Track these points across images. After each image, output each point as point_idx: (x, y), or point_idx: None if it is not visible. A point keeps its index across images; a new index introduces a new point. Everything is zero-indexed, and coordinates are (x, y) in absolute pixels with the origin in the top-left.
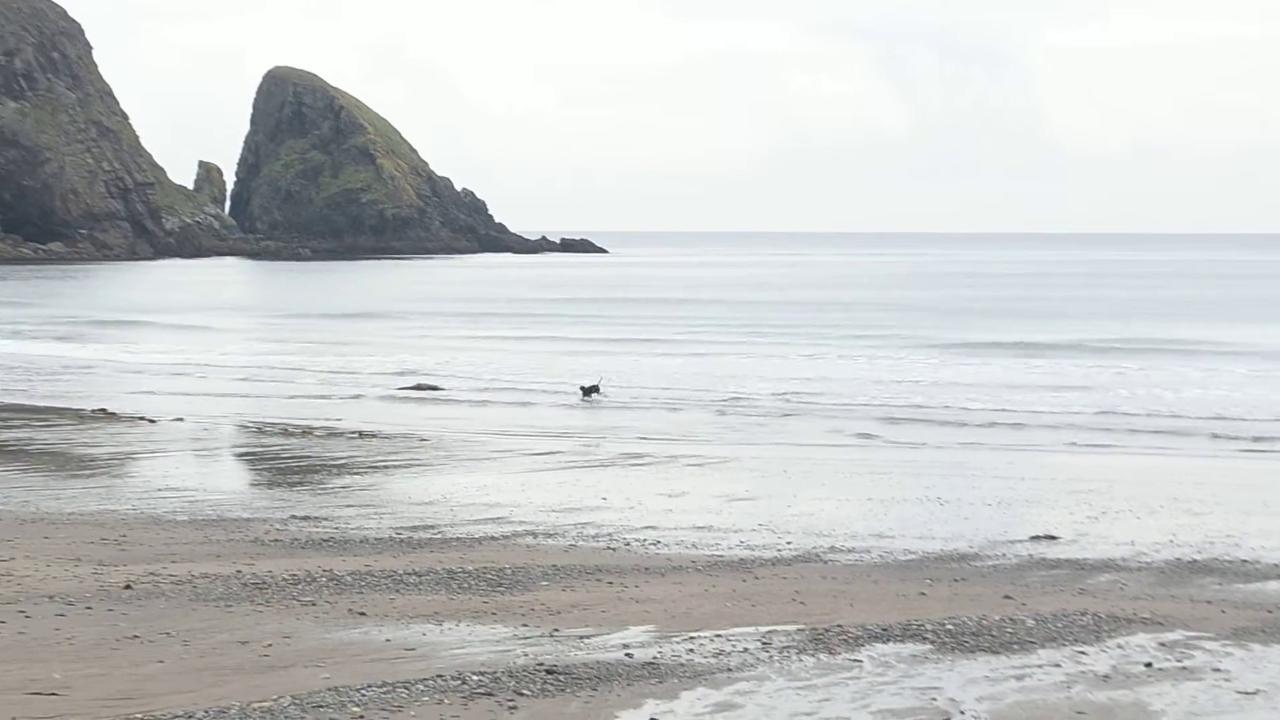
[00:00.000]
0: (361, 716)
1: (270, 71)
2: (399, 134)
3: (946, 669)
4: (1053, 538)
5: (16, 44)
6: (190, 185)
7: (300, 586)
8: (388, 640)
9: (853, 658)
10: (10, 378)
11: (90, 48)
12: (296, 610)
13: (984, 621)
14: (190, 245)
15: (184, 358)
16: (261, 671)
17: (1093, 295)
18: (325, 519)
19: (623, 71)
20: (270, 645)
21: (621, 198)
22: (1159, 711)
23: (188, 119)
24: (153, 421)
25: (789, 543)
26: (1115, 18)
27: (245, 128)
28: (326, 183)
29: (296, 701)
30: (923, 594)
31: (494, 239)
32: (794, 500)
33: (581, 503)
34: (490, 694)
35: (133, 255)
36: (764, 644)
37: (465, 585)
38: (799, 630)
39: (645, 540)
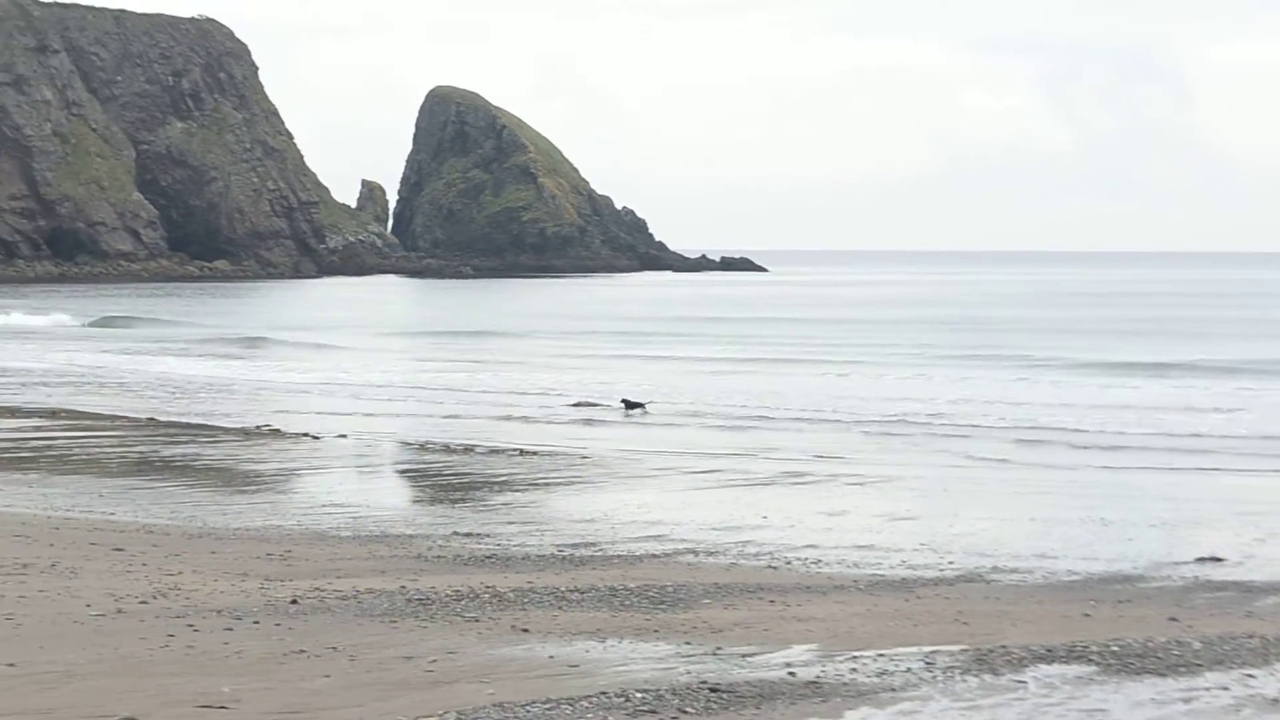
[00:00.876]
0: None
1: (433, 90)
2: (560, 152)
3: (1112, 691)
4: (1218, 559)
5: (184, 65)
6: (353, 204)
7: (464, 603)
8: (551, 657)
9: (1017, 679)
10: (176, 395)
11: (256, 68)
12: (460, 626)
13: (1149, 643)
14: (353, 263)
15: (347, 376)
16: (427, 687)
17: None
18: (487, 535)
19: (782, 89)
20: (435, 661)
21: (782, 216)
22: None
23: (351, 138)
24: (316, 438)
25: (951, 562)
26: None
27: (408, 147)
28: (488, 201)
29: (462, 717)
30: (1087, 615)
31: (654, 257)
32: (955, 520)
33: (742, 521)
34: (654, 712)
35: (296, 273)
36: (927, 664)
37: (627, 602)
38: (962, 650)
39: (807, 559)
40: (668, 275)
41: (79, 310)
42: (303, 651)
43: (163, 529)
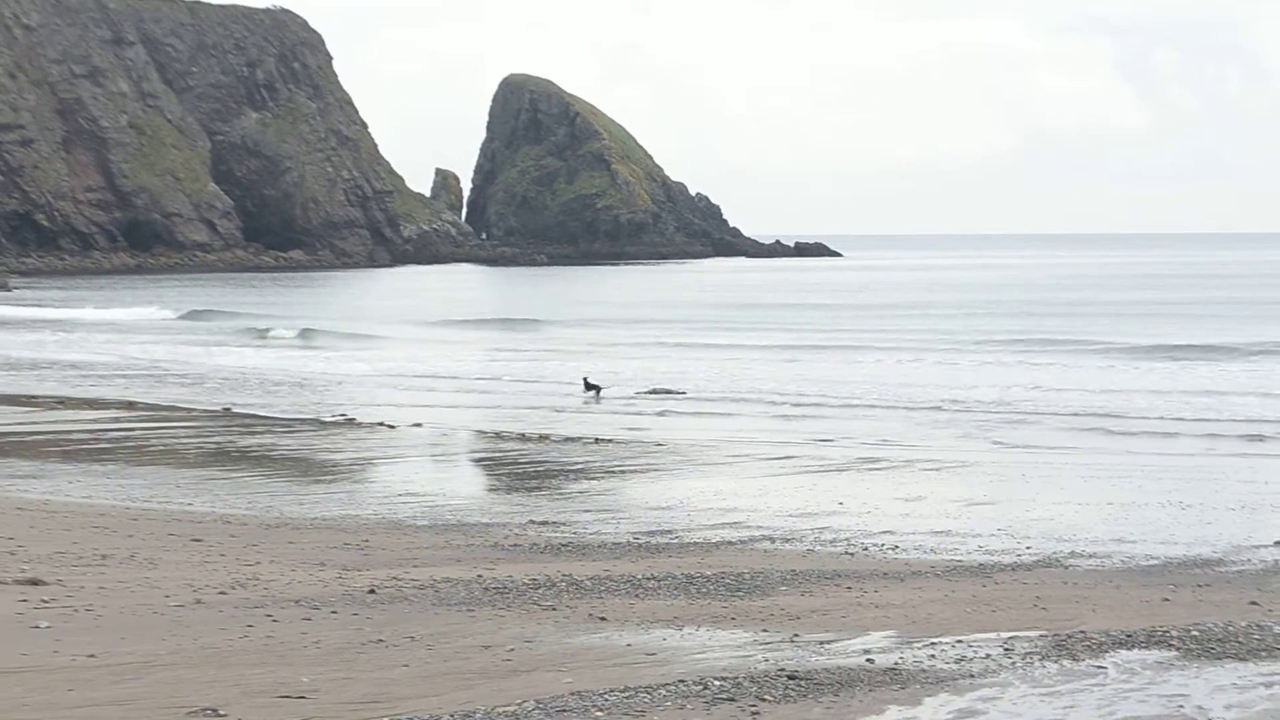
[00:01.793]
0: None
1: (506, 78)
2: (634, 139)
3: (1192, 676)
4: None
5: (259, 55)
6: (427, 192)
7: (540, 591)
8: (628, 645)
9: (1097, 664)
10: (252, 385)
11: (330, 58)
12: (537, 615)
13: (1230, 628)
14: (427, 252)
15: (421, 366)
16: (504, 676)
17: None
18: (563, 524)
19: (858, 73)
20: (512, 649)
21: (858, 200)
22: None
23: (425, 127)
24: (392, 427)
25: (1028, 547)
26: None
27: (482, 135)
28: (562, 189)
29: (540, 706)
30: (1166, 600)
31: (728, 243)
32: (1032, 505)
33: (818, 507)
34: (732, 699)
35: (371, 262)
36: (1006, 650)
37: (704, 590)
38: (1041, 636)
39: (883, 545)
40: (741, 261)
41: (163, 302)
42: (381, 641)
43: (240, 519)
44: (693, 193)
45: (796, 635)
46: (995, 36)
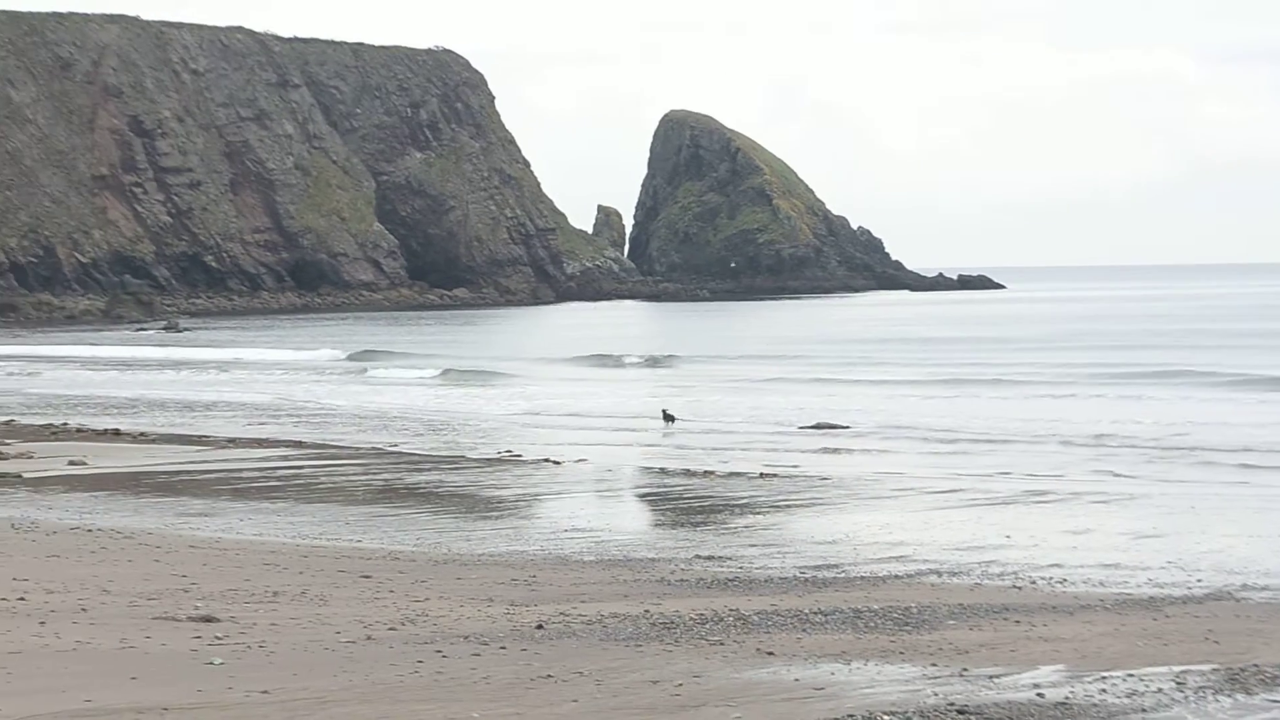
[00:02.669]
0: None
1: (667, 115)
2: (795, 173)
3: None
4: None
5: (422, 96)
6: (590, 229)
7: (708, 626)
8: (796, 680)
9: (1271, 698)
10: (417, 423)
11: (492, 97)
12: (705, 650)
13: None
14: (590, 288)
15: (587, 403)
16: (673, 711)
17: None
18: (729, 558)
19: (1018, 102)
20: (681, 685)
21: (1022, 231)
22: None
23: (587, 165)
24: (557, 463)
25: (1199, 580)
26: None
27: (643, 171)
28: (723, 224)
29: None
30: None
31: (890, 276)
32: (1202, 537)
33: (985, 541)
34: None
35: (535, 300)
36: (1178, 684)
37: (871, 624)
38: (1213, 670)
39: (1051, 578)
40: (904, 294)
41: (333, 342)
42: (549, 676)
43: (409, 555)
44: (854, 226)
45: (965, 669)
46: (1154, 64)
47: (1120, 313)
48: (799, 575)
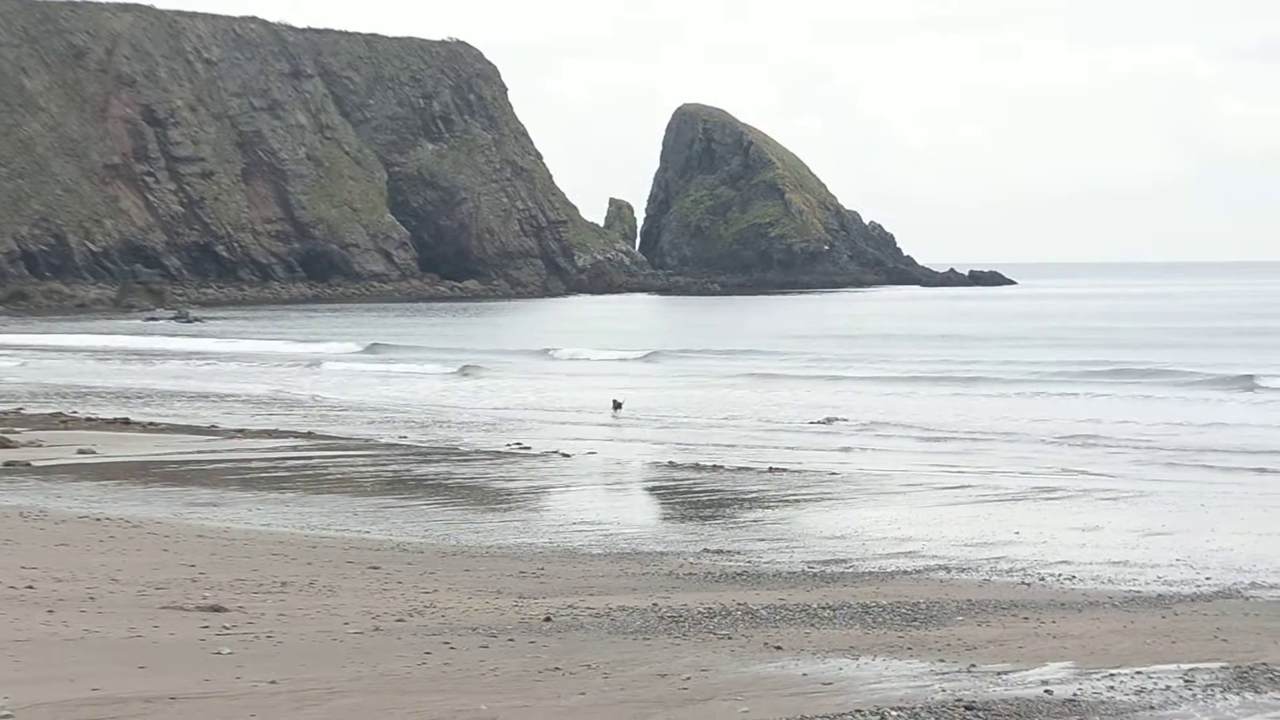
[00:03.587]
0: None
1: (680, 108)
2: (807, 168)
3: None
4: None
5: (435, 88)
6: (601, 222)
7: (716, 620)
8: (804, 674)
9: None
10: (425, 415)
11: (505, 89)
12: (713, 643)
13: None
14: (601, 281)
15: (594, 396)
16: (681, 704)
17: None
18: (738, 552)
19: (1033, 98)
20: (689, 678)
21: (1033, 227)
22: None
23: (599, 157)
24: (566, 456)
25: (1208, 578)
26: None
27: (655, 164)
28: (735, 218)
29: None
30: None
31: (902, 272)
32: (1211, 535)
33: (994, 537)
34: None
35: (545, 292)
36: (1186, 682)
37: (879, 619)
38: (1222, 668)
39: (1060, 575)
40: (915, 290)
41: (346, 335)
42: (558, 669)
43: (417, 547)
44: (866, 221)
45: (973, 665)
46: (1174, 61)
47: (1132, 310)
48: (807, 570)
